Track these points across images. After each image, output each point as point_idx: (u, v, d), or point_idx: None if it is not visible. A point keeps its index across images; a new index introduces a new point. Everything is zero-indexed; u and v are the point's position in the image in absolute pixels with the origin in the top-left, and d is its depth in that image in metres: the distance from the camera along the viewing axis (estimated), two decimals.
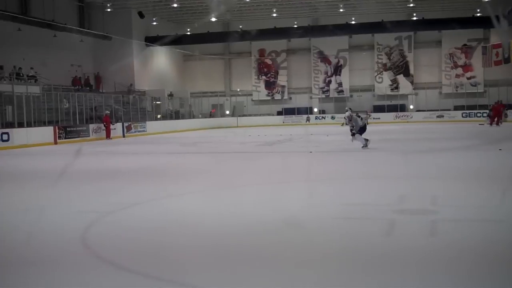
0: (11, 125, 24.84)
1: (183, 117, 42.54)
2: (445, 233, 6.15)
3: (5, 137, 23.21)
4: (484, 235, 5.98)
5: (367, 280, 4.54)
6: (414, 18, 42.29)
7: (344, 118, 17.81)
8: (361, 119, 17.69)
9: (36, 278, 4.78)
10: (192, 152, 19.58)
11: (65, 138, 26.80)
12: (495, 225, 6.51)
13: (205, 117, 45.14)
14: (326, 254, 5.37)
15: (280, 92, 48.59)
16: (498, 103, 34.38)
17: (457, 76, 45.00)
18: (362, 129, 17.49)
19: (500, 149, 15.66)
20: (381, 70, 46.65)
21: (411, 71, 45.92)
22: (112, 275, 4.84)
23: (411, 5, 40.64)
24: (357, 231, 6.29)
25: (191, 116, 44.02)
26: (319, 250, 5.53)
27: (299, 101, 46.74)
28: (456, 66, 45.11)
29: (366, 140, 17.16)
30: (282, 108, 46.86)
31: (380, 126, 35.81)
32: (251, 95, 48.84)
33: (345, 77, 47.21)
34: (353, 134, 17.45)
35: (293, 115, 45.63)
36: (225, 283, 4.52)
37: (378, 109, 44.92)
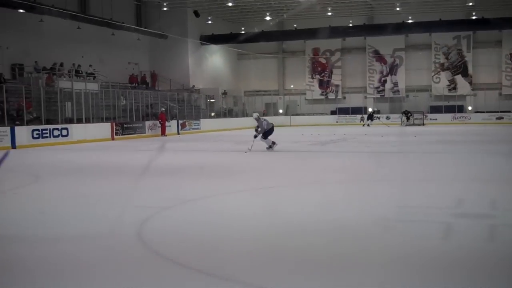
0: (70, 120, 25.63)
1: (236, 115, 42.85)
2: (504, 238, 5.97)
3: (64, 132, 23.95)
4: None
5: (425, 284, 4.47)
6: (473, 17, 41.19)
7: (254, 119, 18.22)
8: (268, 123, 18.06)
9: (90, 272, 4.91)
10: (245, 150, 19.66)
11: (122, 134, 27.44)
12: None
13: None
14: (384, 257, 5.30)
15: (334, 92, 48.26)
16: None
17: None
18: (267, 133, 17.92)
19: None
20: (439, 70, 45.66)
21: (470, 71, 44.75)
22: (166, 270, 4.93)
23: (470, 4, 39.55)
24: (414, 234, 6.18)
25: (244, 114, 44.27)
26: (377, 253, 5.47)
27: (353, 100, 46.29)
28: None
29: (273, 143, 17.77)
30: (336, 108, 46.50)
31: (437, 127, 35.13)
32: (304, 94, 48.70)
33: (401, 77, 46.46)
34: (255, 136, 17.87)
35: (347, 115, 45.21)
36: (281, 283, 4.53)
37: (435, 109, 43.94)
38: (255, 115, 18.44)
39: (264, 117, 20.37)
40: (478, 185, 9.76)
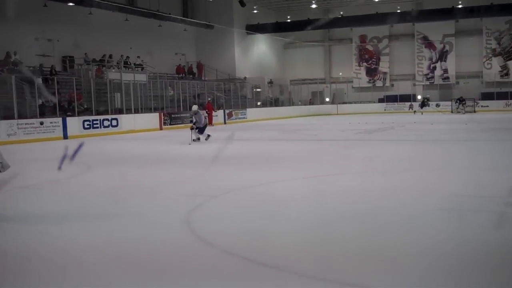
0: (119, 111, 26.14)
1: (282, 104, 42.79)
2: None
3: (114, 122, 24.45)
4: None
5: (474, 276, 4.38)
6: None
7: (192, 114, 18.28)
8: (205, 117, 18.64)
9: (136, 259, 5.01)
10: (291, 139, 19.67)
11: (170, 124, 27.81)
12: None
13: (305, 104, 45.11)
14: (432, 247, 5.22)
15: (382, 79, 47.57)
16: None
17: None
18: (202, 129, 18.22)
19: None
20: (490, 55, 44.38)
21: None
22: (214, 259, 4.97)
23: None
24: (465, 223, 6.07)
25: (290, 103, 44.17)
26: (425, 242, 5.39)
27: (401, 88, 45.52)
28: None
29: (209, 135, 18.26)
30: (384, 96, 45.83)
31: (489, 115, 34.25)
32: (351, 82, 48.19)
33: (451, 63, 45.38)
34: (192, 128, 18.26)
35: (395, 103, 44.50)
36: (318, 272, 4.52)
37: (487, 96, 42.72)
38: (194, 107, 18.69)
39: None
40: None
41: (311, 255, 4.98)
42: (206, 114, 18.35)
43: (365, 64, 48.18)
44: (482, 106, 40.51)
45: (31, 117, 21.56)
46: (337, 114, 42.92)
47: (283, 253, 5.06)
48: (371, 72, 47.98)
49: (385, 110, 43.95)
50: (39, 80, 24.05)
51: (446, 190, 8.15)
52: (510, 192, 7.75)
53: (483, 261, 4.66)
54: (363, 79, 48.07)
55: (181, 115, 29.16)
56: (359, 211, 6.80)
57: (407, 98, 44.37)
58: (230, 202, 7.71)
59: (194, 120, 18.30)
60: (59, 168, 7.73)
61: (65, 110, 23.84)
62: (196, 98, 32.17)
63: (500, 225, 5.98)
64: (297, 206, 7.32)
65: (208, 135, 18.26)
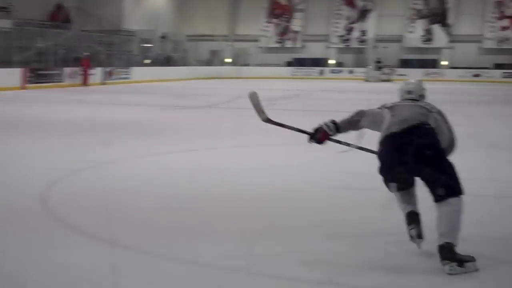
0: None
1: (175, 64, 42.50)
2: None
3: None
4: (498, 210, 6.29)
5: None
6: None
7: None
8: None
9: None
10: (181, 106, 19.82)
11: (35, 83, 26.95)
12: None
13: (202, 65, 45.04)
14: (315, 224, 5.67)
15: (292, 39, 48.27)
16: None
17: (503, 28, 44.65)
18: None
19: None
20: (415, 17, 46.15)
21: (450, 20, 45.51)
22: (70, 240, 5.14)
23: None
24: (359, 202, 6.65)
25: (185, 63, 43.95)
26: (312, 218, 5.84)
27: (313, 51, 46.48)
28: (502, 17, 44.70)
29: None
30: (293, 58, 46.63)
31: None
32: (257, 41, 48.56)
33: (371, 25, 46.77)
34: None
35: (305, 67, 45.42)
36: (191, 250, 4.81)
37: (406, 64, 44.56)
38: None
39: None
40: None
41: (178, 234, 5.29)
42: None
43: (275, 20, 48.60)
44: (399, 74, 42.22)
45: None
46: (239, 78, 43.22)
47: (151, 233, 5.31)
48: (282, 31, 48.52)
49: (293, 75, 44.67)
50: None
51: (343, 167, 8.66)
52: None
53: (370, 242, 5.18)
54: (271, 38, 48.58)
55: (50, 72, 28.36)
56: (250, 188, 7.23)
57: (319, 62, 45.42)
58: (98, 176, 7.81)
59: None
60: None
61: None
62: (70, 52, 31.32)
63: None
64: (175, 181, 7.58)
65: None
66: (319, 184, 7.57)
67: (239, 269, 4.46)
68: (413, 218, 4.70)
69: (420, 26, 46.20)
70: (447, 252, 4.27)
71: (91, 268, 4.38)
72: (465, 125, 9.90)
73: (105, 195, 6.69)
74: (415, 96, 5.06)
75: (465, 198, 4.42)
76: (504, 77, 41.57)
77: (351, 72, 43.54)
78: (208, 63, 46.42)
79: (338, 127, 5.09)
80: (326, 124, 5.09)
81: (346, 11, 47.32)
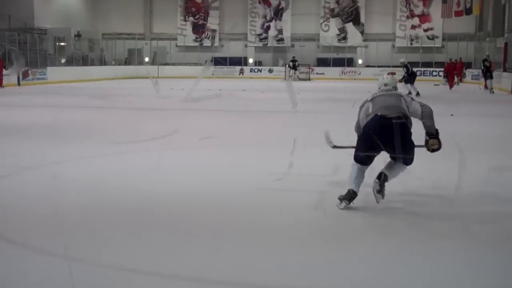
0: None
1: (92, 63, 41.79)
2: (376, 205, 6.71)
3: None
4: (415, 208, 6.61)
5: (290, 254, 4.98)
6: None
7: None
8: None
9: None
10: (100, 107, 19.57)
11: None
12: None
13: (119, 64, 44.45)
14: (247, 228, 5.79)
15: (210, 38, 48.30)
16: (451, 60, 35.85)
17: (413, 27, 46.13)
18: None
19: (451, 115, 16.43)
20: (328, 16, 47.07)
21: (362, 19, 46.66)
22: None
23: None
24: (283, 204, 6.78)
25: (102, 62, 43.26)
26: (240, 224, 5.95)
27: (231, 49, 46.66)
28: (412, 15, 46.16)
29: None
30: (212, 57, 46.71)
31: (324, 83, 36.51)
32: (175, 39, 48.36)
33: (286, 23, 47.37)
34: None
35: (225, 66, 45.57)
36: (111, 254, 4.83)
37: (323, 62, 45.45)
38: None
39: None
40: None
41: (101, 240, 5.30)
42: None
43: (191, 18, 48.50)
44: (317, 73, 43.01)
45: None
46: (158, 77, 42.83)
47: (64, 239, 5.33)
48: (198, 29, 48.48)
49: (213, 74, 44.77)
50: None
51: (269, 168, 8.81)
52: (335, 171, 8.56)
53: (308, 238, 5.32)
54: (189, 37, 48.44)
55: None
56: (172, 191, 7.24)
57: (238, 61, 45.67)
58: (13, 184, 7.72)
59: None
60: None
61: None
62: None
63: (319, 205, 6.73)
64: (95, 186, 7.55)
65: None
66: (247, 186, 7.66)
67: (160, 273, 4.57)
68: (350, 196, 6.45)
69: (334, 25, 47.10)
70: (383, 179, 6.37)
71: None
72: None
73: (25, 201, 6.62)
74: (390, 87, 6.92)
75: None
76: (417, 75, 42.72)
77: (270, 71, 43.98)
78: (127, 62, 45.80)
79: None
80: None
81: (261, 9, 47.65)
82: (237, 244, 5.37)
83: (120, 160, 9.50)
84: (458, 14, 39.67)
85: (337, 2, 46.94)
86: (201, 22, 48.58)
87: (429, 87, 30.40)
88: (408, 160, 6.46)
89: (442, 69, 37.91)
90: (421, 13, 46.08)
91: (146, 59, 47.34)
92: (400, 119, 6.32)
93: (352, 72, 44.05)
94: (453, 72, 33.53)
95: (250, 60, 46.26)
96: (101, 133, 12.74)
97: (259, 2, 47.57)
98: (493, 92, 27.32)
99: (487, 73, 28.47)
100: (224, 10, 48.14)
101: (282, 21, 47.43)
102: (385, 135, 6.29)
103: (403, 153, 6.32)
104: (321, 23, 47.24)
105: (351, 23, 46.90)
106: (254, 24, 47.79)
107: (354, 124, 7.01)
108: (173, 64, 46.59)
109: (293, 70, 40.32)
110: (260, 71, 43.87)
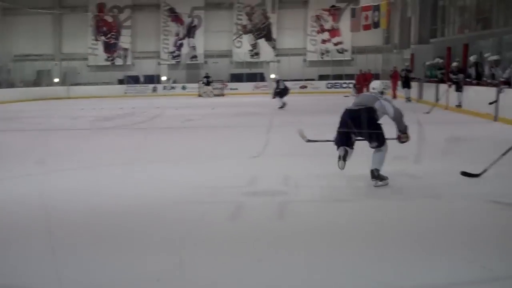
0: None
1: (0, 86, 40.50)
2: (294, 214, 6.77)
3: None
4: (328, 215, 6.75)
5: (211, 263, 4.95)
6: None
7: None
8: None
9: None
10: (12, 130, 19.02)
11: None
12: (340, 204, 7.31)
13: (28, 86, 43.26)
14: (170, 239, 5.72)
15: (122, 57, 47.85)
16: (361, 71, 36.91)
17: (323, 41, 47.07)
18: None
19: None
20: (241, 33, 47.52)
21: (274, 35, 47.32)
22: None
23: None
24: (205, 215, 6.79)
25: (10, 84, 42.01)
26: (160, 235, 5.87)
27: (144, 67, 46.32)
28: (322, 30, 47.12)
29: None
30: (125, 76, 46.23)
31: (238, 98, 36.74)
32: (86, 59, 47.59)
33: (199, 40, 47.48)
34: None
35: (138, 85, 45.17)
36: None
37: (236, 78, 45.74)
38: None
39: None
40: (273, 161, 10.62)
41: None
42: None
43: (103, 38, 47.93)
44: (231, 88, 43.19)
45: None
46: (69, 97, 41.97)
47: None
48: (110, 48, 47.93)
49: (126, 93, 44.29)
50: None
51: (185, 182, 8.78)
52: (249, 182, 8.62)
53: (225, 248, 5.29)
54: (100, 56, 47.79)
55: None
56: (88, 209, 7.08)
57: (151, 79, 45.39)
58: None
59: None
60: None
61: None
62: None
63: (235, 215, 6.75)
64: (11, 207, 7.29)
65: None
66: (165, 199, 7.62)
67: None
68: (343, 156, 8.08)
69: (247, 41, 47.57)
70: (375, 174, 8.04)
71: None
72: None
73: None
74: (377, 91, 8.60)
75: None
76: (328, 87, 43.81)
77: (184, 88, 43.86)
78: (35, 83, 44.64)
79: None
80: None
81: (174, 27, 47.64)
82: (155, 257, 5.31)
83: (28, 183, 9.20)
84: (366, 28, 40.74)
85: (249, 19, 47.43)
86: (112, 41, 48.02)
87: (340, 98, 30.98)
88: (378, 143, 8.07)
89: (353, 81, 38.91)
90: (331, 27, 47.09)
91: (56, 80, 46.25)
92: (365, 108, 8.13)
93: (265, 87, 44.41)
94: (363, 83, 34.31)
95: (164, 78, 46.02)
96: (7, 156, 12.34)
97: (172, 20, 47.50)
98: (409, 100, 28.15)
99: (405, 83, 29.35)
100: (136, 29, 47.76)
101: (195, 39, 47.53)
102: (354, 121, 8.07)
103: (370, 134, 8.04)
104: (234, 40, 47.61)
105: (263, 39, 47.44)
106: (167, 42, 47.66)
107: None
108: (85, 84, 45.73)
109: (207, 86, 40.53)
110: (174, 88, 43.65)
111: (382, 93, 8.56)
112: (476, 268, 4.89)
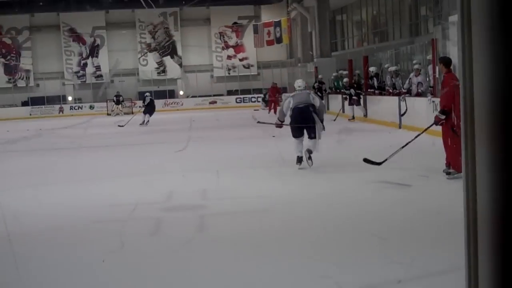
0: None
1: None
2: (212, 227, 6.95)
3: None
4: (250, 226, 6.94)
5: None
6: None
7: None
8: None
9: None
10: None
11: None
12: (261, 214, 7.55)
13: None
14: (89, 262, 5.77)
15: (25, 78, 46.65)
16: (274, 84, 37.44)
17: (229, 57, 47.61)
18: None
19: (273, 136, 17.16)
20: (146, 51, 47.36)
21: (179, 52, 47.42)
22: None
23: None
24: (124, 232, 6.82)
25: None
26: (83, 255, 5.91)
27: (48, 88, 45.27)
28: (227, 46, 47.68)
29: None
30: (28, 97, 45.03)
31: (136, 116, 36.43)
32: None
33: (103, 59, 46.95)
34: None
35: (43, 106, 44.10)
36: None
37: (144, 96, 45.36)
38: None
39: None
40: (191, 175, 10.78)
41: None
42: None
43: (2, 60, 46.59)
44: (140, 106, 42.77)
45: None
46: None
47: None
48: (11, 70, 46.63)
49: (31, 114, 43.10)
50: None
51: (106, 200, 8.80)
52: (167, 197, 8.74)
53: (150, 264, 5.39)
54: (1, 78, 46.39)
55: None
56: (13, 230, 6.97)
57: (57, 99, 44.46)
58: None
59: None
60: None
61: None
62: None
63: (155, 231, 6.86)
64: None
65: None
66: (83, 220, 7.61)
67: None
68: (299, 160, 10.59)
69: (152, 59, 47.42)
70: (310, 155, 10.44)
71: None
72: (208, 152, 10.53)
73: None
74: (302, 88, 11.20)
75: None
76: (238, 102, 44.22)
77: (91, 107, 43.21)
78: None
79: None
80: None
81: (76, 47, 46.93)
82: (81, 277, 5.33)
83: None
84: (269, 43, 41.60)
85: (153, 37, 47.36)
86: (13, 63, 46.76)
87: (251, 112, 31.42)
88: (315, 136, 10.51)
89: (261, 95, 39.43)
90: (235, 44, 47.70)
91: None
92: (308, 105, 10.61)
93: (174, 103, 44.40)
94: (275, 94, 34.33)
95: (70, 98, 45.18)
96: None
97: (74, 41, 46.76)
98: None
99: (319, 92, 29.96)
100: (37, 50, 46.66)
101: (99, 58, 47.00)
102: (303, 117, 10.53)
103: (311, 128, 10.48)
104: (139, 58, 47.38)
105: (168, 57, 47.49)
106: (70, 62, 46.84)
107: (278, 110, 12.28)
108: None
109: (117, 105, 40.23)
110: (81, 108, 42.95)
111: (305, 88, 11.45)
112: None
